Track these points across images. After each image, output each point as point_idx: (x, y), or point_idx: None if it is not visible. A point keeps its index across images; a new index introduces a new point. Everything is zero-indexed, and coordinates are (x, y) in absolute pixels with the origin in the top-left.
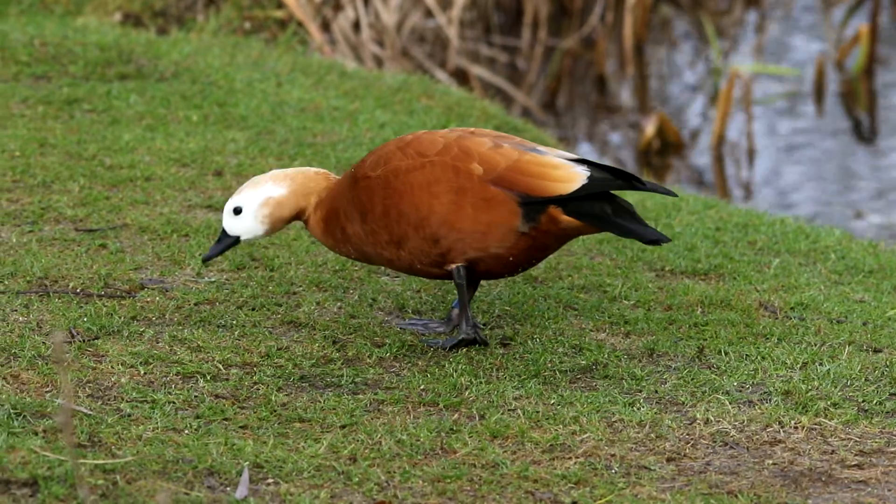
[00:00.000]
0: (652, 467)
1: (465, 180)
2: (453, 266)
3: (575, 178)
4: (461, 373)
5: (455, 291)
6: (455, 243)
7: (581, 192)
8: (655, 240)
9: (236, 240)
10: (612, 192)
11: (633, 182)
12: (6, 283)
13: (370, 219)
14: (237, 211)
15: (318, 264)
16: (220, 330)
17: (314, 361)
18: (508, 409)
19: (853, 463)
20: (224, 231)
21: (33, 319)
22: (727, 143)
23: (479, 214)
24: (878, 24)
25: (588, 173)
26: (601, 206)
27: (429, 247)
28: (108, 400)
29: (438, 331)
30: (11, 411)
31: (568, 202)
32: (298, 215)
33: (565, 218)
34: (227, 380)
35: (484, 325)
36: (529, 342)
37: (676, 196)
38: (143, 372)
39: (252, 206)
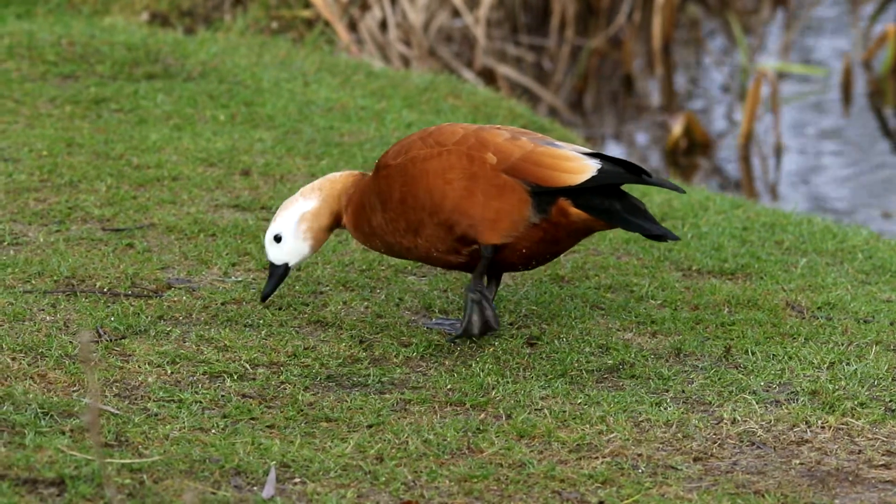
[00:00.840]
0: (679, 467)
1: (479, 168)
2: (484, 244)
3: (585, 169)
4: (488, 372)
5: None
6: (468, 230)
7: (590, 183)
8: (661, 235)
9: (286, 267)
10: (624, 189)
11: (642, 175)
12: (33, 282)
13: (389, 206)
14: (278, 238)
15: (345, 264)
16: (247, 329)
17: (341, 361)
18: (535, 409)
19: (880, 463)
20: (272, 264)
21: (60, 319)
22: (754, 143)
23: (489, 201)
24: None
25: (599, 166)
26: (610, 201)
27: (443, 233)
28: (135, 399)
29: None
30: (38, 411)
31: (578, 194)
32: (337, 221)
33: (574, 210)
34: (253, 379)
35: (511, 324)
36: (556, 342)
37: (684, 192)
38: (169, 371)
39: (290, 227)
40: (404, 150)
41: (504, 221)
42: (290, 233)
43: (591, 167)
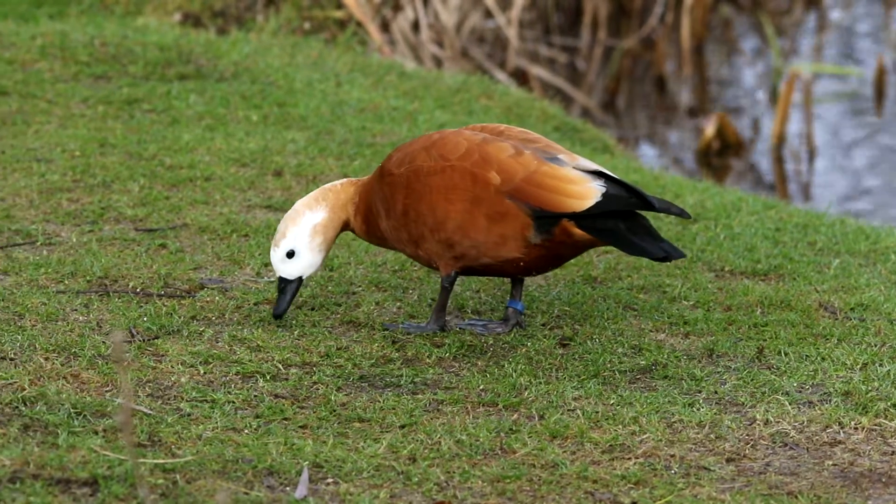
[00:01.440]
0: (711, 468)
1: (482, 190)
2: (446, 272)
3: (589, 194)
4: (520, 373)
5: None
6: (469, 250)
7: (594, 210)
8: (665, 257)
9: (299, 281)
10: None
11: (645, 202)
12: (66, 282)
13: (392, 215)
14: (290, 254)
15: (378, 264)
16: (280, 330)
17: (373, 361)
18: (568, 410)
19: None
20: (283, 279)
21: (93, 319)
22: (787, 144)
23: (492, 226)
24: None
25: (603, 189)
26: (615, 222)
27: (443, 249)
28: (168, 399)
29: (497, 331)
30: (72, 411)
31: (582, 217)
32: (345, 227)
33: (578, 231)
34: (286, 379)
35: (543, 325)
36: (589, 342)
37: (690, 217)
38: (202, 371)
39: (304, 241)
40: (408, 160)
41: (507, 245)
42: (305, 246)
43: (595, 191)
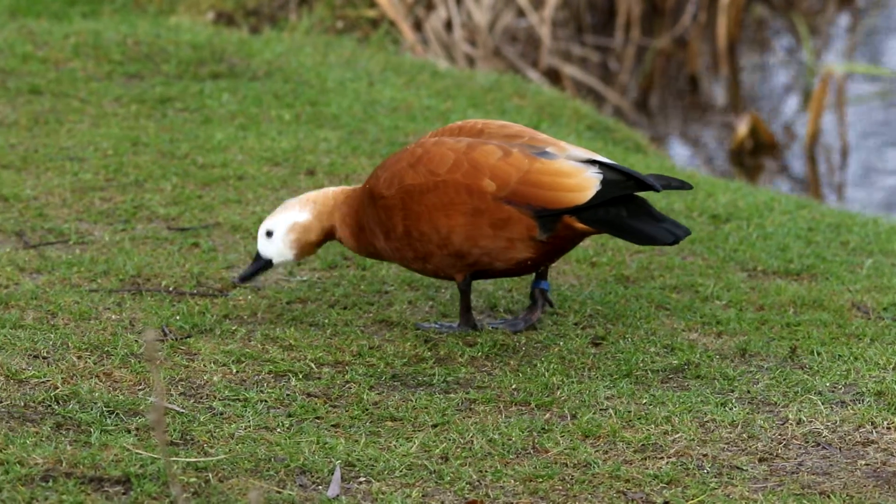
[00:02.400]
0: (744, 467)
1: (479, 201)
2: (460, 277)
3: (587, 185)
4: (553, 372)
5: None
6: (481, 257)
7: (595, 199)
8: (674, 241)
9: (269, 262)
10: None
11: (644, 185)
12: (99, 281)
13: (393, 237)
14: (269, 234)
15: None
16: (312, 329)
17: (406, 360)
18: (600, 409)
19: None
20: (258, 252)
21: (126, 318)
22: (820, 143)
23: (498, 232)
24: None
25: (600, 177)
26: (616, 209)
27: (454, 261)
28: (201, 398)
29: (521, 326)
30: (104, 409)
31: (583, 210)
32: (329, 236)
33: (580, 225)
34: (319, 378)
35: (576, 324)
36: (621, 342)
37: (692, 188)
38: (235, 370)
39: (281, 231)
40: (397, 180)
41: (516, 247)
42: (279, 237)
43: (592, 181)
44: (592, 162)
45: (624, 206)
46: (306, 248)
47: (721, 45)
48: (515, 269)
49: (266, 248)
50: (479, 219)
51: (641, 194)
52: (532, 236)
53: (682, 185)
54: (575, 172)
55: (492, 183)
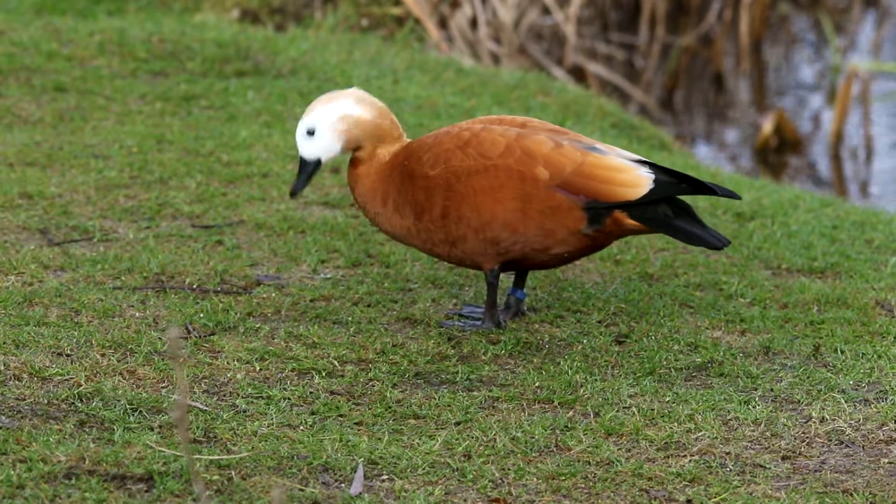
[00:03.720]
0: (767, 465)
1: (531, 187)
2: (489, 267)
3: (641, 182)
4: (576, 370)
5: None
6: (514, 245)
7: (649, 197)
8: (718, 246)
9: (318, 162)
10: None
11: (698, 186)
12: (123, 278)
13: (426, 218)
14: (311, 132)
15: (434, 261)
16: (336, 326)
17: (429, 358)
18: (623, 407)
19: None
20: (303, 159)
21: (149, 315)
22: (845, 142)
23: (544, 220)
24: None
25: (653, 176)
26: (663, 209)
27: (487, 247)
28: (224, 396)
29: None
30: (128, 407)
31: (633, 206)
32: (357, 147)
33: (630, 221)
34: (342, 376)
35: (599, 322)
36: (645, 339)
37: (740, 198)
38: (258, 368)
39: (329, 121)
40: (442, 160)
41: (555, 237)
42: (327, 128)
43: (646, 179)
44: (642, 162)
45: (669, 207)
46: (351, 144)
47: (746, 43)
48: (548, 262)
49: (310, 148)
50: (527, 205)
51: (686, 201)
52: (578, 229)
53: (731, 195)
54: (628, 169)
55: (545, 171)
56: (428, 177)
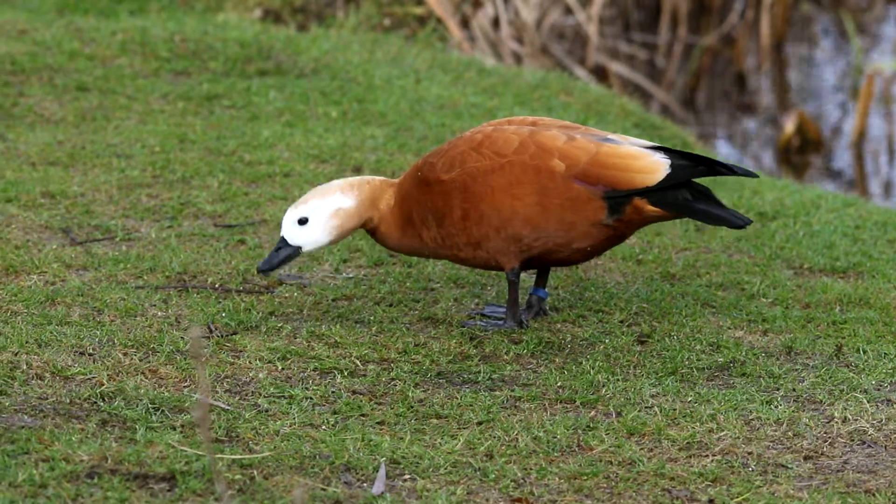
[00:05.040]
0: (789, 465)
1: (548, 180)
2: (510, 266)
3: (657, 167)
4: (598, 370)
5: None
6: (537, 240)
7: (666, 181)
8: (741, 225)
9: (297, 250)
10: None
11: (715, 168)
12: (145, 278)
13: (448, 223)
14: (302, 221)
15: None
16: (358, 326)
17: (451, 358)
18: (645, 407)
19: None
20: (284, 240)
21: (172, 314)
22: (867, 141)
23: (564, 213)
24: None
25: (669, 161)
26: (682, 193)
27: (509, 245)
28: (246, 395)
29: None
30: (150, 406)
31: (652, 192)
32: (364, 225)
33: (650, 208)
34: (364, 376)
35: (621, 322)
36: (667, 339)
37: (758, 177)
38: (280, 367)
39: (321, 217)
40: (458, 163)
41: (579, 229)
42: (320, 223)
43: (662, 163)
44: (657, 148)
45: (688, 191)
46: (343, 235)
47: (768, 43)
48: (571, 257)
49: (297, 235)
50: (545, 198)
51: (705, 184)
52: (599, 220)
53: (748, 173)
54: (643, 156)
55: (561, 163)
56: (442, 181)
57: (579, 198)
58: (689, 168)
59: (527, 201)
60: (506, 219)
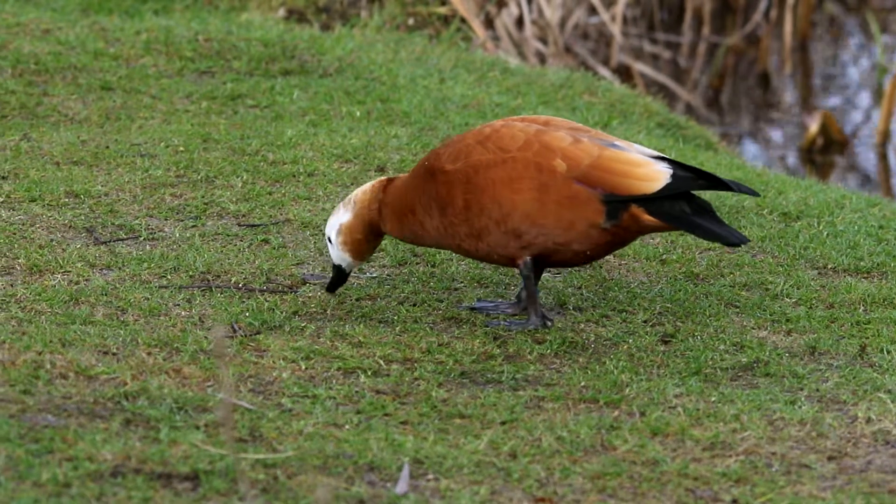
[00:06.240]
0: (813, 466)
1: (548, 178)
2: (521, 260)
3: (658, 176)
4: (622, 370)
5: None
6: (536, 238)
7: (665, 191)
8: (737, 243)
9: (339, 269)
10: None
11: (716, 183)
12: (169, 277)
13: (450, 212)
14: (329, 241)
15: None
16: (382, 325)
17: (475, 358)
18: (669, 407)
19: None
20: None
21: (195, 314)
22: (891, 141)
23: (562, 211)
24: None
25: (671, 171)
26: (681, 205)
27: (510, 240)
28: (270, 395)
29: (508, 311)
30: (173, 405)
31: (651, 201)
32: (375, 230)
33: (647, 217)
34: (387, 375)
35: (645, 321)
36: (690, 339)
37: (759, 195)
38: (304, 367)
39: (334, 237)
40: (463, 155)
41: (576, 230)
42: (334, 241)
43: (663, 173)
44: (661, 158)
45: (688, 203)
46: (360, 247)
47: (792, 43)
48: (572, 259)
49: (332, 254)
50: (544, 195)
51: (706, 198)
52: (597, 223)
53: (750, 192)
54: (645, 163)
55: (563, 164)
56: (446, 171)
57: (578, 197)
58: (690, 180)
59: (526, 196)
60: (506, 213)
